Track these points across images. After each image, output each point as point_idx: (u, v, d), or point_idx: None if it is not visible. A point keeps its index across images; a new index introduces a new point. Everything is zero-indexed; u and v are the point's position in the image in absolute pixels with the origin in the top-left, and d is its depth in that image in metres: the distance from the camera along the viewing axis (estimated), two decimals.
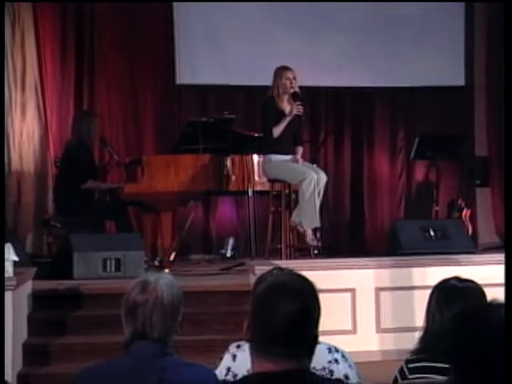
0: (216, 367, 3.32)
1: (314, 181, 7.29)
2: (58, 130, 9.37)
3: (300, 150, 7.73)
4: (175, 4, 9.79)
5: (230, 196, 9.47)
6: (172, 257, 8.15)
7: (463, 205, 10.03)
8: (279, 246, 7.57)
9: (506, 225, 5.84)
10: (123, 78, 9.76)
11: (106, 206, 8.41)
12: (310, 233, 7.43)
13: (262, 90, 7.95)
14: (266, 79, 7.63)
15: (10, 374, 5.40)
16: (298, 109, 7.40)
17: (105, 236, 7.95)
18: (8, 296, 5.51)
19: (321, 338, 2.31)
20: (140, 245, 7.43)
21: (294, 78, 7.46)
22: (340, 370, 3.26)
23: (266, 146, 7.58)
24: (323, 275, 6.07)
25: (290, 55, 9.05)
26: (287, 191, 7.68)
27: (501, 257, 6.97)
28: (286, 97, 7.50)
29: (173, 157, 8.17)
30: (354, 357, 3.43)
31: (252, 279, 6.25)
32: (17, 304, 5.69)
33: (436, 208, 9.20)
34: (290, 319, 2.19)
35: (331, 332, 4.81)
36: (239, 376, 3.17)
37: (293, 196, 7.68)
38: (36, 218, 9.12)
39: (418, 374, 3.18)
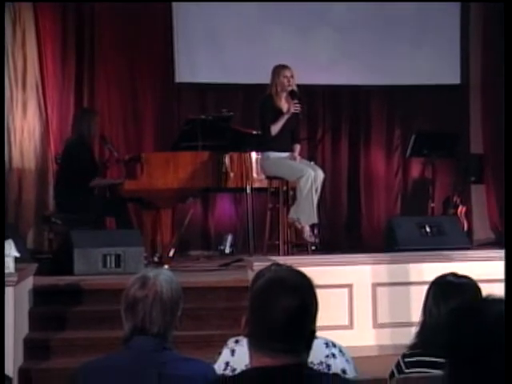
0: (215, 362, 3.33)
1: (311, 178, 7.32)
2: (58, 128, 9.38)
3: (298, 147, 7.75)
4: (174, 4, 9.80)
5: (229, 193, 9.48)
6: (171, 253, 8.13)
7: (458, 201, 10.05)
8: (277, 243, 7.60)
9: (505, 223, 5.86)
10: (123, 77, 9.76)
11: (106, 203, 8.38)
12: (307, 229, 7.46)
13: (260, 88, 7.96)
14: (265, 77, 7.64)
15: (11, 369, 5.39)
16: (295, 107, 7.42)
17: (105, 232, 7.94)
18: (9, 291, 5.51)
19: (318, 333, 2.32)
20: (140, 241, 7.42)
21: (292, 76, 7.49)
22: (337, 365, 3.27)
23: (264, 144, 7.60)
24: (320, 271, 6.05)
25: (287, 54, 9.06)
26: (285, 188, 7.70)
27: (495, 253, 7.04)
28: (284, 95, 7.53)
29: (172, 154, 8.17)
30: (351, 352, 3.45)
31: (250, 275, 6.24)
32: (18, 299, 5.69)
33: (432, 205, 9.20)
34: (288, 315, 2.20)
35: (328, 327, 4.80)
36: (238, 371, 3.18)
37: (290, 193, 7.71)
38: (37, 215, 9.11)
39: (415, 368, 3.21)
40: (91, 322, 6.23)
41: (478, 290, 3.26)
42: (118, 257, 7.13)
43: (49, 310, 6.33)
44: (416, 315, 6.32)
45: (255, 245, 7.95)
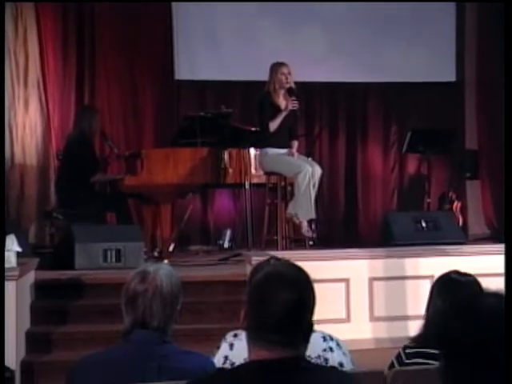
0: (213, 355, 3.34)
1: (309, 174, 7.34)
2: (59, 124, 9.41)
3: (295, 143, 7.77)
4: (174, 4, 9.83)
5: (228, 188, 9.50)
6: (171, 248, 8.19)
7: (454, 197, 10.10)
8: (275, 237, 7.62)
9: (505, 222, 5.91)
10: (123, 75, 9.79)
11: (107, 198, 8.40)
12: (305, 224, 7.48)
13: (258, 85, 7.97)
14: (263, 75, 7.67)
15: (13, 361, 5.43)
16: (293, 104, 7.44)
17: (105, 227, 7.98)
18: (11, 286, 5.55)
19: (315, 327, 2.33)
20: (140, 236, 7.44)
21: (290, 74, 7.50)
22: (335, 358, 3.28)
23: (263, 140, 7.62)
24: (318, 265, 6.11)
25: (285, 52, 9.06)
26: (283, 184, 7.72)
27: (490, 247, 7.11)
28: (281, 92, 7.54)
29: (171, 150, 8.17)
30: (348, 345, 3.47)
31: (249, 269, 6.21)
32: (20, 293, 5.72)
33: (428, 200, 9.22)
34: (285, 308, 2.20)
35: (326, 321, 4.82)
36: (236, 364, 3.11)
37: (288, 188, 7.73)
38: (39, 210, 9.13)
39: (415, 358, 3.26)
40: (92, 316, 6.26)
41: (480, 286, 3.30)
42: (118, 251, 7.15)
43: (50, 303, 6.36)
44: (412, 309, 6.47)
45: (254, 240, 7.97)
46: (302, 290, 2.26)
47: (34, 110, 9.35)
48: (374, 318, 6.63)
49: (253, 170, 8.11)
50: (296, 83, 7.60)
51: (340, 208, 10.39)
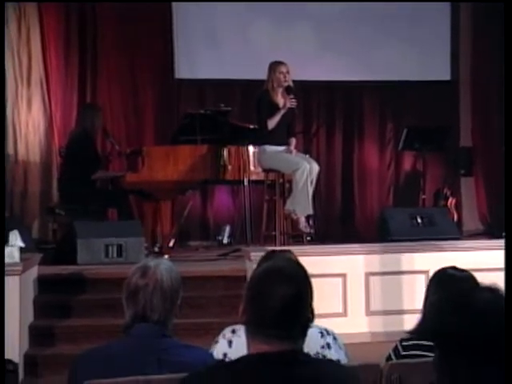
0: (211, 349, 3.34)
1: (306, 170, 7.36)
2: (62, 122, 9.45)
3: (293, 141, 7.79)
4: (174, 4, 9.86)
5: (227, 185, 9.49)
6: (171, 243, 8.24)
7: (449, 193, 10.14)
8: (274, 233, 7.63)
9: (506, 220, 5.97)
10: (124, 73, 9.82)
11: (109, 195, 8.42)
12: (303, 220, 7.50)
13: (257, 83, 7.99)
14: (261, 74, 7.69)
15: (16, 355, 5.50)
16: (291, 102, 7.47)
17: (107, 223, 7.99)
18: (15, 280, 5.60)
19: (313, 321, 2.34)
20: (141, 232, 7.47)
21: (288, 72, 7.51)
22: (332, 356, 3.31)
23: (261, 138, 7.63)
24: (316, 261, 6.14)
25: (284, 51, 9.08)
26: (281, 180, 7.74)
27: (484, 243, 7.19)
28: (280, 90, 7.56)
29: (172, 147, 8.20)
30: (345, 338, 3.52)
31: (248, 265, 6.36)
32: (23, 288, 5.78)
33: (423, 196, 9.23)
34: (283, 303, 2.23)
35: (323, 315, 4.67)
36: None
37: (287, 185, 7.75)
38: (41, 206, 9.16)
39: (412, 351, 3.31)
40: (94, 310, 6.31)
41: (476, 282, 3.28)
42: (119, 247, 7.20)
43: (53, 298, 6.42)
44: (407, 303, 6.55)
45: (252, 235, 8.01)
46: (299, 285, 2.29)
47: (37, 109, 9.38)
48: (370, 313, 6.68)
49: (252, 167, 8.14)
50: (294, 82, 7.62)
51: (337, 204, 10.41)
